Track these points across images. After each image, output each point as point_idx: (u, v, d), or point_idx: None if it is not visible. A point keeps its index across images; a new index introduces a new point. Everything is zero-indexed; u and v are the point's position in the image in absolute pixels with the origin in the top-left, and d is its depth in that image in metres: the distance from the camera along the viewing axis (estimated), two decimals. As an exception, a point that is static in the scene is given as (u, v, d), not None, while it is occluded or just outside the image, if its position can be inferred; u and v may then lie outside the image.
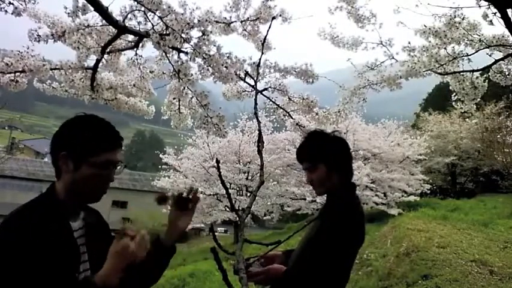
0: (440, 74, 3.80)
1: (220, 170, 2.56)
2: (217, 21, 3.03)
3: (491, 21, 3.42)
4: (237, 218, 2.35)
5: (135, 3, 2.77)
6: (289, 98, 3.50)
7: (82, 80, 3.27)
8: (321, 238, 1.56)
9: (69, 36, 2.87)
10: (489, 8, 3.34)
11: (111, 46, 3.14)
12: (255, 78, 3.23)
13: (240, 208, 12.71)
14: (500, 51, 3.59)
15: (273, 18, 3.21)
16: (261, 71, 3.24)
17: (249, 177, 15.56)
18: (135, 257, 1.09)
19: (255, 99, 3.17)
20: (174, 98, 3.48)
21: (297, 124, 3.60)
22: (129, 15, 2.82)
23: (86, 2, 2.71)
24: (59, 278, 1.09)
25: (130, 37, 3.23)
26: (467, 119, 17.64)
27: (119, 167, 1.30)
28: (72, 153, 1.20)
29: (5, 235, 1.08)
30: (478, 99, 3.87)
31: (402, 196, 12.55)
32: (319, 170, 1.66)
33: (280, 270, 1.60)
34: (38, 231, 1.10)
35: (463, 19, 3.51)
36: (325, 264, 1.52)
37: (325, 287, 1.55)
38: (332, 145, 1.69)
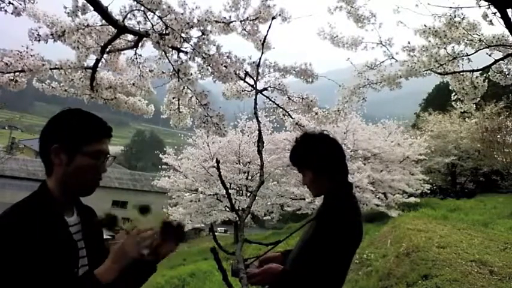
0: (440, 73, 3.80)
1: (220, 170, 2.55)
2: (216, 21, 3.03)
3: (491, 21, 3.41)
4: (237, 218, 2.34)
5: (135, 3, 2.77)
6: (288, 97, 3.50)
7: (81, 79, 3.27)
8: (318, 238, 1.56)
9: (69, 35, 2.87)
10: (489, 8, 3.33)
11: (110, 46, 3.14)
12: (255, 78, 3.23)
13: (240, 208, 12.70)
14: (500, 51, 3.58)
15: (273, 18, 3.21)
16: (260, 70, 3.23)
17: (249, 177, 15.56)
18: (135, 255, 1.12)
19: (255, 99, 3.17)
20: (173, 97, 3.48)
21: (296, 123, 3.60)
22: (129, 15, 2.82)
23: (85, 1, 2.71)
24: (59, 274, 1.09)
25: (130, 37, 3.22)
26: (467, 119, 17.63)
27: (109, 159, 1.30)
28: (64, 145, 1.20)
29: (1, 233, 1.07)
30: (478, 99, 3.87)
31: (402, 197, 12.55)
32: (307, 175, 1.67)
33: (277, 269, 1.60)
34: (34, 227, 1.09)
35: (463, 19, 3.50)
36: (323, 264, 1.51)
37: (322, 286, 1.54)
38: (317, 150, 1.67)
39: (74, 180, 1.23)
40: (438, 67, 3.70)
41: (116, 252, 1.15)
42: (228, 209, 14.99)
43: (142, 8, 2.74)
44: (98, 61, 3.23)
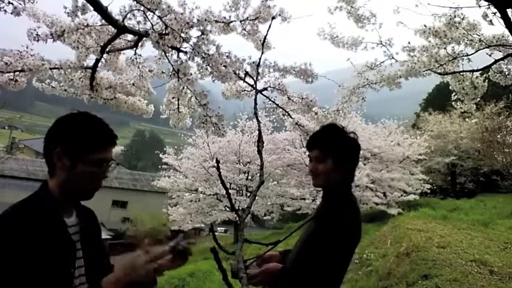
0: (440, 74, 3.80)
1: (220, 170, 2.55)
2: (216, 21, 3.03)
3: (491, 21, 3.41)
4: (237, 218, 2.34)
5: (135, 2, 2.77)
6: (288, 97, 3.50)
7: (81, 79, 3.27)
8: (317, 237, 1.56)
9: (69, 35, 2.87)
10: (489, 8, 3.33)
11: (110, 45, 3.13)
12: (255, 78, 3.22)
13: (240, 208, 12.70)
14: (500, 51, 3.58)
15: (273, 18, 3.21)
16: (260, 70, 3.23)
17: (249, 177, 15.56)
18: (143, 274, 1.16)
19: (255, 99, 3.16)
20: (173, 97, 3.48)
21: (296, 123, 3.60)
22: (129, 15, 2.82)
23: (85, 1, 2.71)
24: (56, 274, 1.10)
25: (130, 37, 3.22)
26: (467, 119, 17.64)
27: (112, 165, 1.31)
28: (67, 150, 1.20)
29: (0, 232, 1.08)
30: (478, 99, 3.87)
31: (402, 196, 12.56)
32: (327, 163, 1.66)
33: (276, 268, 1.60)
34: (33, 227, 1.10)
35: (463, 19, 3.50)
36: (320, 263, 1.52)
37: (321, 285, 1.54)
38: (346, 144, 1.69)
39: (75, 185, 1.23)
40: (438, 67, 3.70)
41: (125, 268, 1.17)
42: (228, 209, 15.00)
43: (142, 8, 2.73)
44: (97, 61, 3.22)
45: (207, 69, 2.89)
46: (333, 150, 1.66)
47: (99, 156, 1.24)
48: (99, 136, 1.26)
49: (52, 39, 2.86)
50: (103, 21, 2.86)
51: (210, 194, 14.94)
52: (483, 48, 3.54)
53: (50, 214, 1.17)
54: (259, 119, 3.31)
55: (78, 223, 1.28)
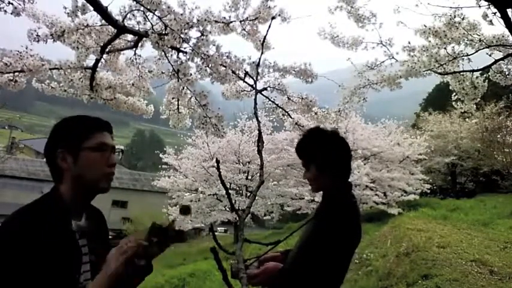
0: (440, 73, 3.80)
1: (220, 170, 2.55)
2: (216, 21, 3.03)
3: (491, 21, 3.41)
4: (237, 218, 2.34)
5: (135, 3, 2.77)
6: (288, 97, 3.50)
7: (81, 79, 3.27)
8: (316, 237, 1.56)
9: (69, 36, 2.87)
10: (489, 8, 3.33)
11: (110, 46, 3.13)
12: (255, 78, 3.22)
13: (240, 208, 12.70)
14: (500, 51, 3.58)
15: (273, 18, 3.21)
16: (260, 70, 3.23)
17: (249, 177, 15.55)
18: (117, 266, 1.07)
19: (255, 99, 3.16)
20: (173, 98, 3.48)
21: (296, 123, 3.60)
22: (129, 15, 2.82)
23: (85, 1, 2.71)
24: (59, 279, 1.09)
25: (130, 37, 3.22)
26: (467, 119, 17.63)
27: (117, 153, 1.33)
28: (67, 146, 1.23)
29: (5, 235, 1.08)
30: (478, 99, 3.87)
31: (402, 195, 12.55)
32: (311, 170, 1.67)
33: (276, 268, 1.60)
34: (38, 232, 1.09)
35: (463, 19, 3.50)
36: (320, 263, 1.51)
37: (321, 285, 1.54)
38: (324, 146, 1.66)
39: (84, 177, 1.24)
40: (438, 67, 3.70)
41: (104, 265, 1.11)
42: (228, 209, 14.98)
43: (141, 8, 2.73)
44: (97, 61, 3.23)
45: (206, 70, 2.89)
46: (312, 157, 1.66)
47: (97, 141, 1.26)
48: (91, 123, 1.30)
49: (52, 40, 2.86)
50: (103, 21, 2.86)
51: (210, 194, 14.93)
52: (483, 48, 3.55)
53: (57, 219, 1.17)
54: (259, 119, 3.31)
55: (87, 226, 1.27)
